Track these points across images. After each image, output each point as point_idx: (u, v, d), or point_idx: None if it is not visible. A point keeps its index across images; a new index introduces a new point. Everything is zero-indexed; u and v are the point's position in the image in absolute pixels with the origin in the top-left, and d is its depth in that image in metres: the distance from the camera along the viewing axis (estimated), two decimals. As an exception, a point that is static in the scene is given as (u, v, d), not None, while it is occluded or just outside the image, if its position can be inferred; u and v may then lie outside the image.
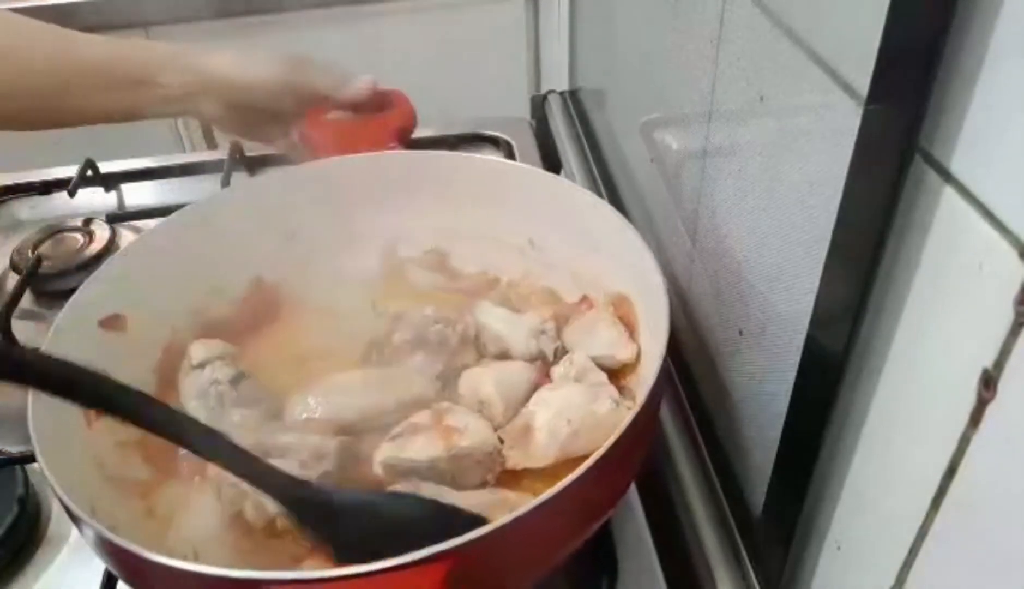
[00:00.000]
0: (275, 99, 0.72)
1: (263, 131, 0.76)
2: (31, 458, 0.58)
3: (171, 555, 0.38)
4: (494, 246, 0.66)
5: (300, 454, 0.50)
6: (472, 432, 0.51)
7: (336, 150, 0.69)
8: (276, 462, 0.49)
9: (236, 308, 0.64)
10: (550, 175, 0.65)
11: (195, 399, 0.55)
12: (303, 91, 0.72)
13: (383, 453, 0.51)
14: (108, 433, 0.53)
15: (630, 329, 0.58)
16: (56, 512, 0.62)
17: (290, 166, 0.68)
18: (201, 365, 0.56)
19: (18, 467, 0.61)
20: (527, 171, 0.66)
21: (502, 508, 0.46)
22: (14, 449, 0.62)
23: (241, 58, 0.72)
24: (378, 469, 0.51)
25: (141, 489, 0.52)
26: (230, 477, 0.49)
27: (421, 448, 0.50)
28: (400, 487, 0.50)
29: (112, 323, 0.57)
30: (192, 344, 0.58)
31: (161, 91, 0.71)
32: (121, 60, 0.71)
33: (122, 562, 0.43)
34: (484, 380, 0.56)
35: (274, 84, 0.71)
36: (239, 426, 0.54)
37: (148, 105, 0.72)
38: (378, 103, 0.75)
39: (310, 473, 0.49)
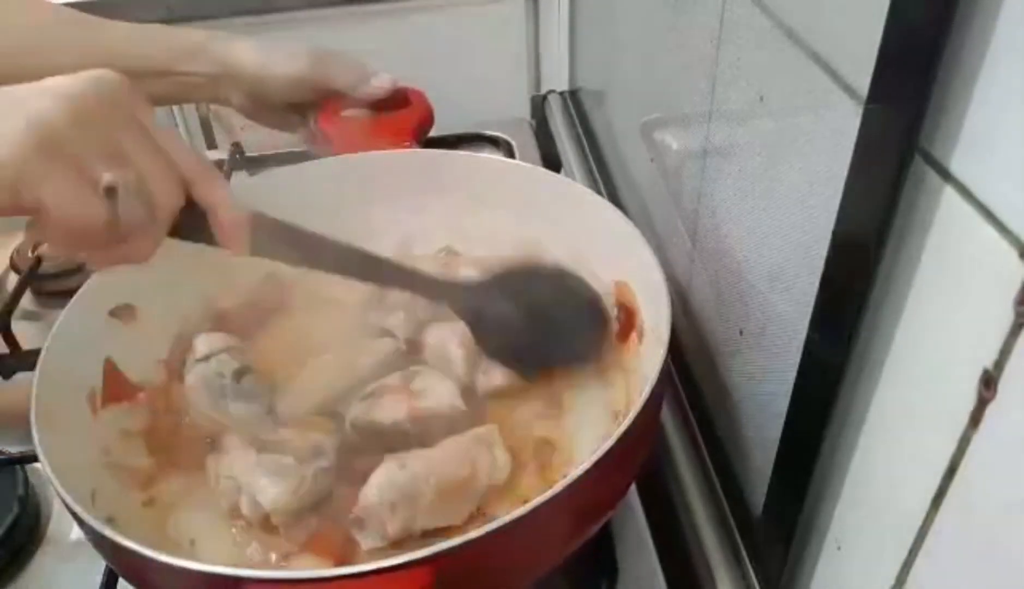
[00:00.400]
0: (294, 93, 0.72)
1: (286, 121, 0.76)
2: (31, 458, 0.58)
3: (168, 546, 0.38)
4: (507, 247, 0.66)
5: (299, 450, 0.51)
6: (435, 394, 0.53)
7: (353, 146, 0.69)
8: (274, 457, 0.50)
9: (247, 300, 0.64)
10: (567, 180, 0.66)
11: (198, 391, 0.56)
12: (322, 86, 0.72)
13: (353, 411, 0.53)
14: (113, 422, 0.53)
15: (631, 314, 0.58)
16: (56, 512, 0.62)
17: (306, 161, 0.67)
18: (205, 358, 0.57)
19: (18, 467, 0.61)
20: (544, 175, 0.66)
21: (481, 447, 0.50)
22: (14, 449, 0.62)
23: (263, 50, 0.72)
24: (348, 427, 0.53)
25: (142, 479, 0.52)
26: (227, 471, 0.50)
27: (386, 411, 0.52)
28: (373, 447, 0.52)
29: (123, 313, 0.57)
30: (197, 337, 0.59)
31: (186, 79, 0.71)
32: (147, 49, 0.71)
33: (116, 555, 0.43)
34: (450, 337, 0.57)
35: (293, 78, 0.71)
36: (239, 420, 0.55)
37: (174, 92, 0.72)
38: (396, 101, 0.75)
39: (308, 469, 0.49)
